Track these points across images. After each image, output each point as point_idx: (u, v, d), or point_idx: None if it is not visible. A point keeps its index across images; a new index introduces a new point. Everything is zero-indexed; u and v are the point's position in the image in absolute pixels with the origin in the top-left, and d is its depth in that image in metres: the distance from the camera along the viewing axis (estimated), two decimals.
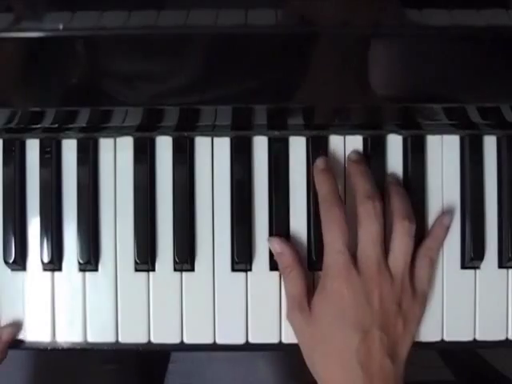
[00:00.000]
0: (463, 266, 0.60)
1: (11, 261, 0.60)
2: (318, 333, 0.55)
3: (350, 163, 0.60)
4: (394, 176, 0.60)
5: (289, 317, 0.58)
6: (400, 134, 0.61)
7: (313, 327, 0.56)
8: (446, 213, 0.60)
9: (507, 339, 0.61)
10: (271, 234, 0.60)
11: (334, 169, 0.59)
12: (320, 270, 0.59)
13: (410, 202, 0.58)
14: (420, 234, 0.59)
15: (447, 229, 0.59)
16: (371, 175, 0.58)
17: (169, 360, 0.83)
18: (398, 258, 0.55)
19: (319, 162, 0.59)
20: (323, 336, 0.55)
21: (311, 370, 0.56)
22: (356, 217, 0.57)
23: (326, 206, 0.57)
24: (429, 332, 0.60)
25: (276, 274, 0.60)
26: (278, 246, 0.58)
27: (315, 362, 0.56)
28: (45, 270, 0.61)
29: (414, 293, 0.56)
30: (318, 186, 0.58)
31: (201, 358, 0.78)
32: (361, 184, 0.57)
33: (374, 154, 0.60)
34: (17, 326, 0.60)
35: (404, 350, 0.55)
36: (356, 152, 0.60)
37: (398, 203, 0.57)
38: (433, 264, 0.58)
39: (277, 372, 1.04)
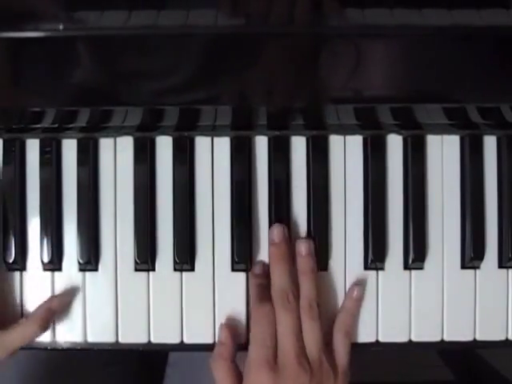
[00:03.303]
0: (463, 266, 0.60)
1: (11, 261, 0.60)
2: None
3: (270, 244, 0.59)
4: (303, 245, 0.59)
5: None
6: (400, 133, 0.61)
7: None
8: (356, 285, 0.60)
9: (507, 339, 0.61)
10: None
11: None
12: (320, 270, 0.59)
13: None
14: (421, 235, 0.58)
15: (359, 300, 0.59)
16: (290, 259, 0.58)
17: (166, 363, 0.83)
18: (310, 346, 0.56)
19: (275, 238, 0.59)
20: None
21: None
22: None
23: (255, 304, 0.58)
24: (429, 332, 0.60)
25: None
26: (225, 327, 0.59)
27: None
28: (45, 269, 0.61)
29: (335, 371, 0.56)
30: (250, 281, 0.59)
31: (199, 362, 0.78)
32: (276, 274, 0.58)
33: (373, 153, 0.60)
34: (70, 295, 0.60)
35: None
36: (278, 228, 0.59)
37: (303, 287, 0.58)
38: (349, 335, 0.58)
39: None
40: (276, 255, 0.59)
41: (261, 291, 0.58)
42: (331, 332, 0.58)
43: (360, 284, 0.60)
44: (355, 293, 0.59)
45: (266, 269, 0.59)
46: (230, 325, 0.59)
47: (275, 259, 0.58)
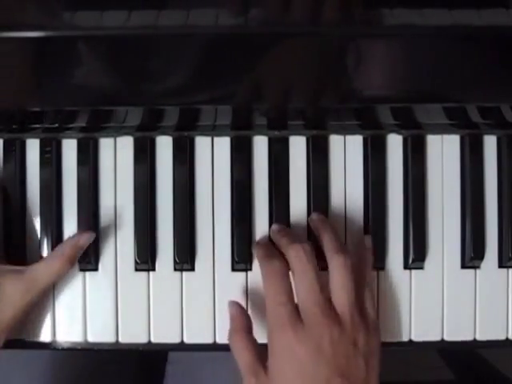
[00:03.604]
0: (463, 266, 0.60)
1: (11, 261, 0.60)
2: None
3: (273, 236, 0.59)
4: (316, 214, 0.59)
5: None
6: (400, 133, 0.61)
7: None
8: (365, 236, 0.59)
9: (507, 339, 0.61)
10: None
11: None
12: (320, 269, 0.59)
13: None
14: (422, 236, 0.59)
15: (371, 250, 0.59)
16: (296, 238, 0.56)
17: (166, 361, 0.83)
18: (340, 296, 0.52)
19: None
20: None
21: None
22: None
23: (265, 261, 0.56)
24: (429, 332, 0.60)
25: None
26: (233, 303, 0.58)
27: None
28: None
29: (367, 325, 0.53)
30: (255, 250, 0.58)
31: (199, 359, 0.78)
32: (290, 250, 0.55)
33: (373, 153, 0.60)
34: (92, 235, 0.58)
35: None
36: (276, 225, 0.59)
37: (327, 239, 0.56)
38: (372, 289, 0.57)
39: None
40: (282, 236, 0.57)
41: (267, 249, 0.56)
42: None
43: (368, 236, 0.59)
44: (368, 242, 0.59)
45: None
46: (237, 302, 0.58)
47: (283, 238, 0.56)
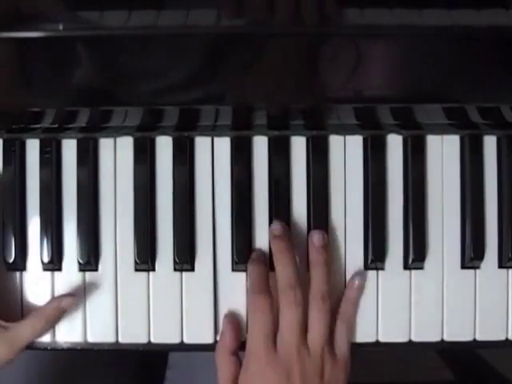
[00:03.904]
0: (463, 266, 0.60)
1: (11, 261, 0.60)
2: None
3: (271, 237, 0.59)
4: (316, 236, 0.59)
5: None
6: (400, 133, 0.61)
7: None
8: (356, 275, 0.60)
9: (507, 339, 0.61)
10: None
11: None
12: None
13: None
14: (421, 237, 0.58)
15: (360, 290, 0.60)
16: (293, 250, 0.58)
17: (166, 365, 0.83)
18: (315, 337, 0.56)
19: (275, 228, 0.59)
20: None
21: None
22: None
23: (253, 295, 0.58)
24: (429, 332, 0.60)
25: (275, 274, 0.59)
26: (227, 321, 0.59)
27: None
28: (45, 270, 0.61)
29: (335, 360, 0.57)
30: (249, 268, 0.59)
31: (198, 364, 0.78)
32: (281, 264, 0.57)
33: (373, 153, 0.60)
34: (79, 296, 0.59)
35: None
36: (278, 223, 0.59)
37: (315, 279, 0.57)
38: (350, 325, 0.59)
39: None
40: (279, 246, 0.58)
41: (260, 281, 0.58)
42: (333, 322, 0.58)
43: (360, 274, 0.60)
44: (356, 282, 0.59)
45: (266, 257, 0.59)
46: (233, 318, 0.59)
47: (279, 250, 0.58)
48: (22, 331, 0.57)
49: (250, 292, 0.59)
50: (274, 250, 0.58)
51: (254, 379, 0.56)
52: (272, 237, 0.59)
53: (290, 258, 0.57)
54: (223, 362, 0.58)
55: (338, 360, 0.57)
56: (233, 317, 0.60)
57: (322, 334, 0.56)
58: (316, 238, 0.58)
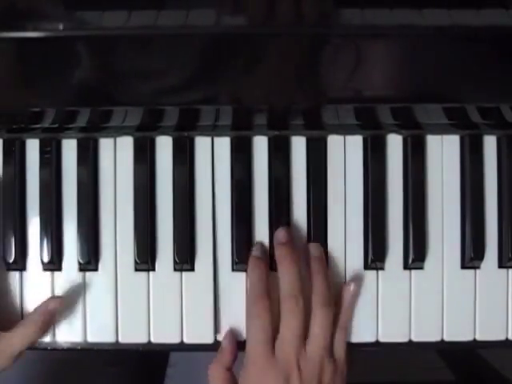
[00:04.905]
0: (463, 266, 0.60)
1: (11, 261, 0.60)
2: None
3: (276, 244, 0.59)
4: (316, 249, 0.59)
5: None
6: (400, 133, 0.61)
7: None
8: (351, 281, 0.60)
9: (507, 339, 0.61)
10: (271, 234, 0.60)
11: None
12: None
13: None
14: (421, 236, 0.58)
15: (355, 296, 0.60)
16: (298, 258, 0.58)
17: (167, 363, 0.83)
18: (315, 344, 0.56)
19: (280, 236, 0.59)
20: None
21: None
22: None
23: (252, 299, 0.58)
24: (429, 332, 0.60)
25: (275, 274, 0.59)
26: (227, 341, 0.59)
27: None
28: (45, 269, 0.61)
29: (334, 365, 0.57)
30: (249, 270, 0.59)
31: (199, 362, 0.78)
32: (286, 278, 0.57)
33: (373, 153, 0.60)
34: (68, 296, 0.60)
35: None
36: (283, 230, 0.59)
37: (317, 286, 0.58)
38: (345, 330, 0.59)
39: None
40: (284, 254, 0.58)
41: (260, 284, 0.58)
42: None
43: (356, 280, 0.60)
44: (351, 288, 0.59)
45: (267, 255, 0.60)
46: (234, 337, 0.60)
47: (283, 257, 0.58)
48: (15, 340, 0.57)
49: (249, 295, 0.59)
50: (278, 256, 0.59)
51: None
52: (276, 243, 0.59)
53: (293, 265, 0.57)
54: (217, 375, 0.58)
55: (336, 364, 0.57)
56: (234, 335, 0.60)
57: (323, 341, 0.57)
58: (314, 248, 0.59)
